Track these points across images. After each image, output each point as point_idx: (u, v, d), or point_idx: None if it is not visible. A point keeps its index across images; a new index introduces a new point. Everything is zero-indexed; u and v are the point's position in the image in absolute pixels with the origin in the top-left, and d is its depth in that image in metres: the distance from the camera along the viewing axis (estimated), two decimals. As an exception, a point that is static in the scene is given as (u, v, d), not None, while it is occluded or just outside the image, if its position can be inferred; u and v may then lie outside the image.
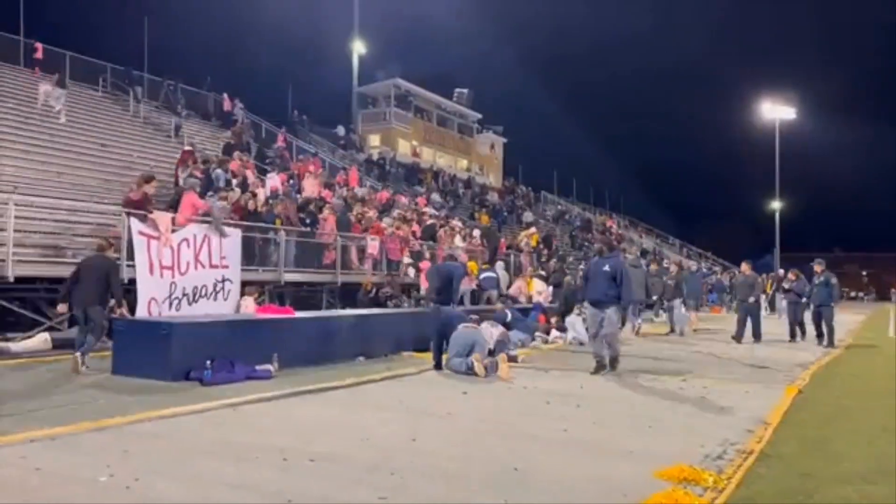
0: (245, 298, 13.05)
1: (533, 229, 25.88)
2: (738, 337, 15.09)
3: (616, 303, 9.70)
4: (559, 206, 47.48)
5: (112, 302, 9.07)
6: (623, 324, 15.74)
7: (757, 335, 15.29)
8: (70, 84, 24.28)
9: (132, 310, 11.30)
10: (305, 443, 5.26)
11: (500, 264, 20.00)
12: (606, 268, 9.79)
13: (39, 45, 24.10)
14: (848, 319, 27.21)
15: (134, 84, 25.96)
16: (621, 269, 9.86)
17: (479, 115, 49.42)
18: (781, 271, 17.74)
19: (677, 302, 18.51)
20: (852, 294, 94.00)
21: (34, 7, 26.47)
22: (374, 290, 15.39)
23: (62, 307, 9.22)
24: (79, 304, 8.75)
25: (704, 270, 38.39)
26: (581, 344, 13.40)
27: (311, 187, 19.68)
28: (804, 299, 15.44)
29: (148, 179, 12.45)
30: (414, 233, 19.80)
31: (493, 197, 39.62)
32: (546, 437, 5.66)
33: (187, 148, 19.32)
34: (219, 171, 18.06)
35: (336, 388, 7.76)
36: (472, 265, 18.31)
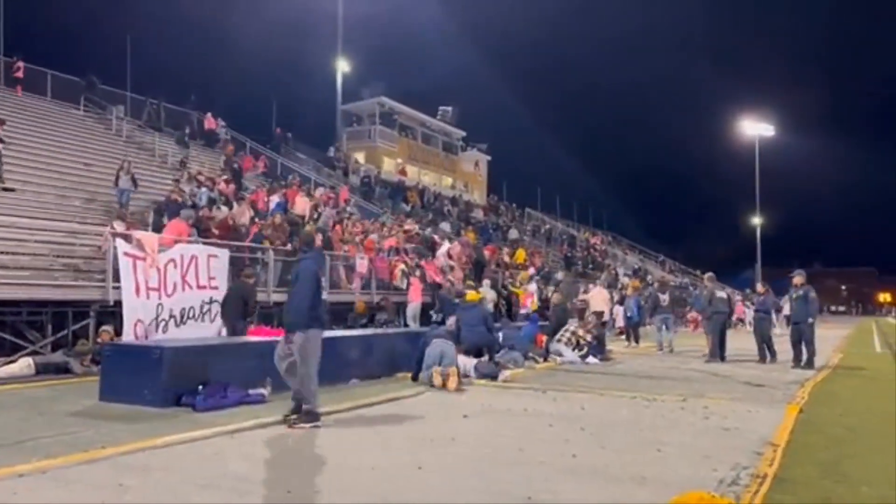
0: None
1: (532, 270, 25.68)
2: (710, 355, 14.49)
3: None
4: (546, 225, 47.50)
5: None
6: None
7: (720, 353, 14.44)
8: (52, 102, 24.04)
9: (118, 332, 11.06)
10: (308, 473, 5.06)
11: (486, 282, 19.88)
12: None
13: (21, 64, 23.79)
14: (832, 335, 27.41)
15: (115, 102, 25.72)
16: None
17: (464, 133, 49.50)
18: (759, 286, 17.61)
19: (662, 319, 18.59)
20: (832, 308, 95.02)
21: (15, 26, 26.14)
22: (368, 316, 15.23)
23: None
24: (227, 319, 11.68)
25: (691, 287, 38.55)
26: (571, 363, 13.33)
27: (301, 206, 19.46)
28: (773, 315, 15.00)
29: None
30: (405, 249, 19.68)
31: (478, 214, 39.59)
32: (556, 464, 5.50)
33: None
34: (202, 189, 17.87)
35: (333, 412, 7.55)
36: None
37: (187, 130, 26.15)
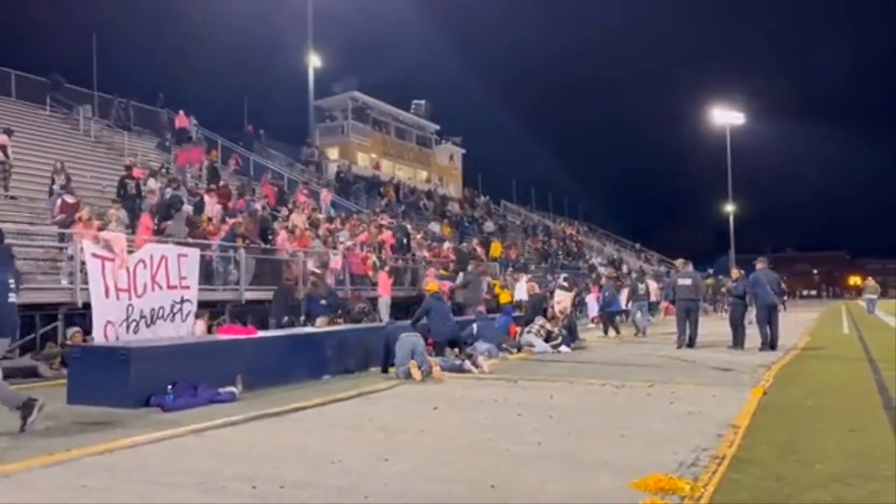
0: (196, 322, 12.71)
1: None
2: (679, 341, 14.64)
3: None
4: (522, 216, 47.70)
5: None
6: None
7: (692, 340, 14.60)
8: (17, 103, 23.65)
9: (87, 333, 10.96)
10: (274, 468, 5.09)
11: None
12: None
13: None
14: (803, 318, 27.92)
15: (82, 102, 25.37)
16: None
17: (438, 127, 49.46)
18: (733, 271, 17.89)
19: (638, 305, 18.87)
20: (804, 293, 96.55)
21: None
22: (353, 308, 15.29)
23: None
24: (274, 316, 13.55)
25: (665, 277, 38.94)
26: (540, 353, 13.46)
27: (298, 220, 19.19)
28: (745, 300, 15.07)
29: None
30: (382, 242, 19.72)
31: (454, 207, 39.65)
32: (521, 452, 5.59)
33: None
34: (168, 189, 17.73)
35: (303, 408, 7.59)
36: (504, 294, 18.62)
37: (168, 136, 25.79)
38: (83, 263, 11.17)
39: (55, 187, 16.17)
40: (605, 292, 19.38)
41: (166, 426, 6.55)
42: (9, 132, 17.03)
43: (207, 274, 13.56)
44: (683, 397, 8.18)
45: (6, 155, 16.35)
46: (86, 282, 11.11)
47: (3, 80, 24.09)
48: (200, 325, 12.03)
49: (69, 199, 14.71)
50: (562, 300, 17.25)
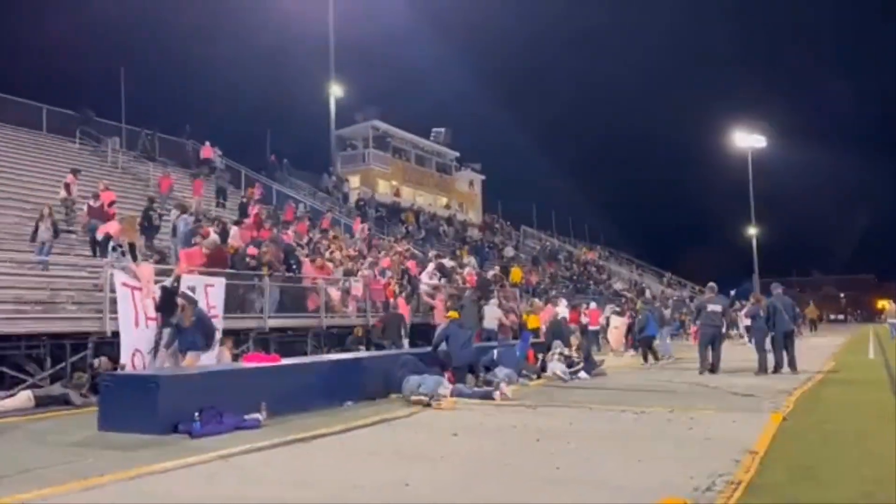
0: (222, 350, 12.97)
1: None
2: (702, 367, 14.58)
3: None
4: (545, 242, 47.65)
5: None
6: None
7: (714, 366, 14.54)
8: (47, 136, 24.35)
9: (116, 362, 11.24)
10: (298, 494, 5.25)
11: (493, 301, 19.98)
12: None
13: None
14: (829, 343, 27.59)
15: (111, 135, 26.08)
16: None
17: (457, 154, 49.98)
18: (752, 296, 17.80)
19: (665, 331, 18.93)
20: (832, 317, 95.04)
21: (10, 61, 26.54)
22: (366, 339, 15.48)
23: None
24: (388, 340, 15.01)
25: (688, 300, 38.74)
26: (562, 380, 13.51)
27: (292, 234, 19.62)
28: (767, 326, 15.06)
29: None
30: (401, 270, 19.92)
31: (473, 233, 39.90)
32: (540, 476, 5.70)
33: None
34: (185, 216, 18.12)
35: (325, 434, 7.74)
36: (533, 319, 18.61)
37: (193, 167, 26.23)
38: (113, 293, 11.49)
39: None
40: (644, 317, 19.21)
41: (194, 452, 6.73)
42: (76, 172, 17.66)
43: (236, 302, 13.82)
44: (703, 423, 8.22)
45: (69, 192, 16.92)
46: (115, 311, 11.43)
47: (34, 114, 24.83)
48: (226, 353, 12.27)
49: (93, 203, 15.42)
50: (619, 325, 17.52)
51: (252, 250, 15.63)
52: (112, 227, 14.13)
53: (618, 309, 18.87)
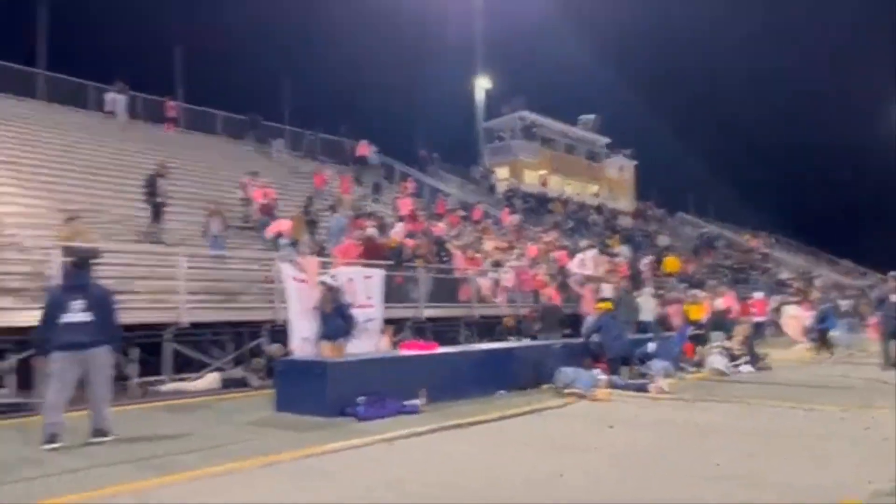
0: (382, 338, 13.63)
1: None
2: (885, 362, 13.36)
3: None
4: (702, 229, 45.43)
5: None
6: None
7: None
8: (222, 140, 26.53)
9: (285, 345, 12.11)
10: (456, 478, 5.49)
11: (648, 291, 19.46)
12: None
13: (172, 104, 26.26)
14: None
15: (277, 137, 28.02)
16: None
17: (608, 140, 48.80)
18: None
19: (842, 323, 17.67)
20: None
21: (195, 72, 29.16)
22: (517, 330, 15.63)
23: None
24: (545, 332, 14.70)
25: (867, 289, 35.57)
26: (723, 374, 12.94)
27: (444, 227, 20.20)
28: None
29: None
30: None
31: (625, 221, 38.86)
32: (699, 472, 5.57)
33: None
34: (338, 214, 19.10)
35: (481, 422, 7.97)
36: (694, 310, 18.20)
37: (350, 164, 27.47)
38: (282, 285, 12.41)
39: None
40: (824, 308, 18.16)
41: (360, 435, 7.19)
42: (254, 174, 19.26)
43: (394, 292, 14.47)
44: (882, 423, 7.62)
45: (246, 192, 18.46)
46: (285, 301, 12.34)
47: (210, 120, 27.23)
48: (386, 341, 12.87)
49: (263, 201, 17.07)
50: (797, 315, 16.66)
51: (409, 242, 16.26)
52: (283, 225, 15.23)
53: (792, 299, 17.69)
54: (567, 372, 10.54)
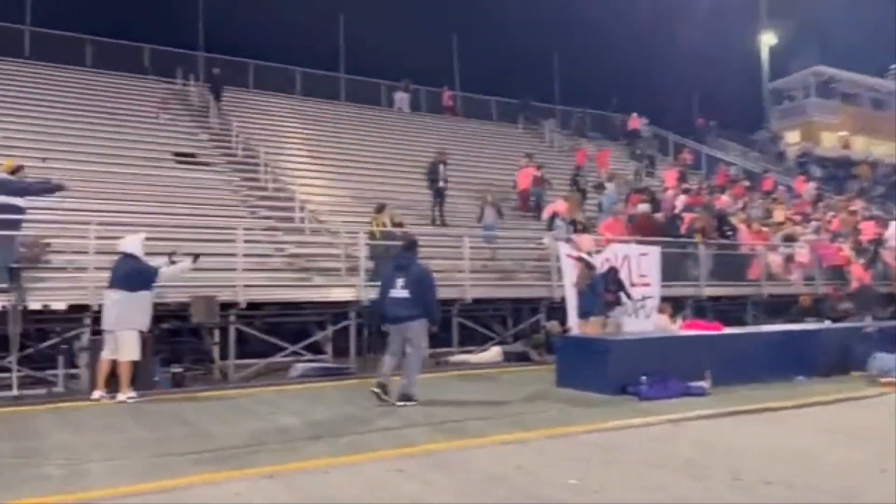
0: (658, 315, 13.15)
1: None
2: None
3: None
4: None
5: None
6: None
7: None
8: (495, 124, 27.56)
9: (563, 324, 12.31)
10: (756, 464, 5.13)
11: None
12: None
13: (449, 93, 27.58)
14: None
15: (548, 117, 28.36)
16: None
17: (925, 90, 41.60)
18: None
19: None
20: None
21: (465, 60, 30.59)
22: (814, 311, 14.08)
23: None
24: (862, 310, 13.43)
25: None
26: None
27: (727, 199, 18.92)
28: None
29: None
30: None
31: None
32: None
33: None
34: (610, 186, 18.63)
35: (778, 408, 7.36)
36: None
37: (642, 145, 26.86)
38: (558, 263, 12.60)
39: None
40: None
41: (643, 414, 7.05)
42: (530, 156, 20.00)
43: (672, 270, 13.95)
44: None
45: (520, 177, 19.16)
46: (561, 279, 12.52)
47: (484, 106, 28.43)
48: (665, 320, 12.46)
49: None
50: None
51: (686, 217, 15.52)
52: (559, 205, 15.39)
53: None
54: (884, 358, 9.26)
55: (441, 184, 16.30)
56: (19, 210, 9.52)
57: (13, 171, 9.73)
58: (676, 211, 16.51)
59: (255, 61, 23.85)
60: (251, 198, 15.42)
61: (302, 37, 27.23)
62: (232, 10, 27.39)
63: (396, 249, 8.99)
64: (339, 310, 11.27)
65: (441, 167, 16.42)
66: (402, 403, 7.56)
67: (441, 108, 26.99)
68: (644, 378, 8.14)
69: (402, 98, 25.51)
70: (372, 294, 11.28)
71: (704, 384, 8.32)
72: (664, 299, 13.15)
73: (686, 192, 18.46)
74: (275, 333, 11.09)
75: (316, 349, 11.34)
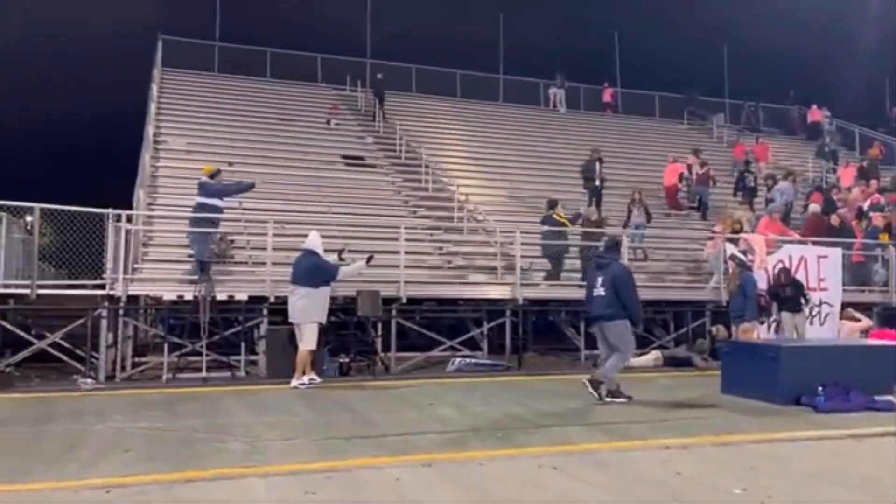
0: (842, 322, 12.14)
1: None
2: None
3: None
4: None
5: None
6: None
7: None
8: (658, 121, 26.60)
9: (728, 330, 11.66)
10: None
11: None
12: None
13: (609, 91, 26.83)
14: None
15: (715, 111, 26.93)
16: None
17: None
18: None
19: None
20: None
21: (627, 60, 29.72)
22: None
23: None
24: None
25: None
26: None
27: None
28: None
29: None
30: None
31: None
32: None
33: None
34: (783, 184, 17.26)
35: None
36: None
37: (827, 140, 24.99)
38: (725, 264, 11.94)
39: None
40: None
41: (820, 427, 6.54)
42: (696, 152, 19.26)
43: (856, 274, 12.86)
44: None
45: (689, 171, 18.41)
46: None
47: (647, 102, 27.47)
48: (849, 327, 11.53)
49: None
50: None
51: (875, 217, 14.20)
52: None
53: None
54: None
55: (597, 182, 15.98)
56: (217, 209, 10.54)
57: (212, 175, 10.75)
58: (865, 209, 15.14)
59: (417, 65, 24.66)
60: (412, 198, 15.99)
61: (462, 40, 27.79)
62: (396, 17, 28.47)
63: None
64: (494, 307, 11.43)
65: (597, 164, 16.10)
66: (609, 400, 7.73)
67: (601, 105, 26.50)
68: (821, 389, 7.54)
69: (556, 94, 25.30)
70: (527, 292, 11.43)
71: (893, 399, 7.57)
72: (846, 306, 12.16)
73: (882, 191, 16.85)
74: (433, 328, 11.46)
75: (472, 345, 11.57)
